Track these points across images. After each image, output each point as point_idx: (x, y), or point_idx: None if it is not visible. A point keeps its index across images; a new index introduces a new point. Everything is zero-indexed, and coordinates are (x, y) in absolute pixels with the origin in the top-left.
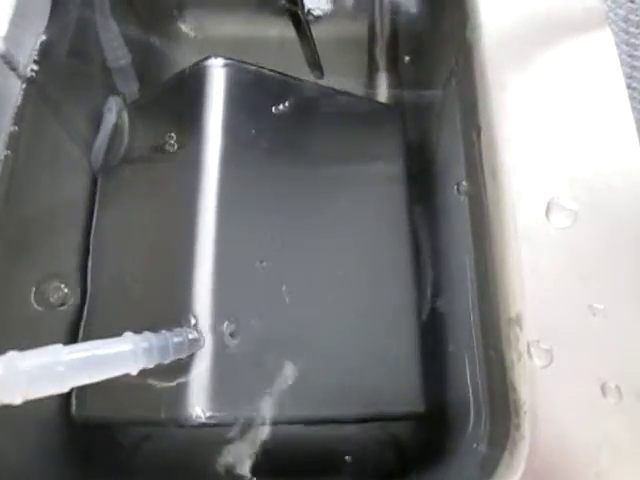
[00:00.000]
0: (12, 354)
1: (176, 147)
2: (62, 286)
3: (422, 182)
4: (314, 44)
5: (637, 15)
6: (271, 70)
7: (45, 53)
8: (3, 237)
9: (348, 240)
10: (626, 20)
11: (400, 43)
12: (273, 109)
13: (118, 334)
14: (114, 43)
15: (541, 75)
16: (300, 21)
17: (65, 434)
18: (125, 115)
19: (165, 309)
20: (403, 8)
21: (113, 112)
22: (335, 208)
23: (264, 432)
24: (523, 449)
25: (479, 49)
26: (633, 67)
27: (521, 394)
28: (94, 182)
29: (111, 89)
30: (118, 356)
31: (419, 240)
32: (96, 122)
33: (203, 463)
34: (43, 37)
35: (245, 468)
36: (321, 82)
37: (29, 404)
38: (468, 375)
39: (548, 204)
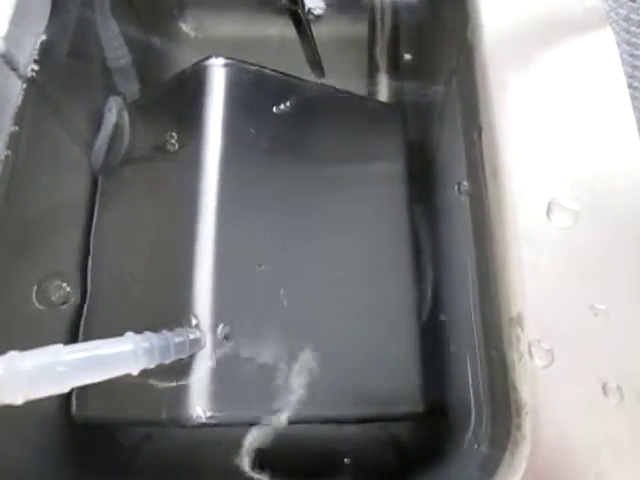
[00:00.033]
0: (12, 354)
1: (177, 147)
2: (64, 285)
3: (423, 182)
4: (315, 43)
5: (638, 14)
6: (272, 70)
7: (45, 53)
8: (3, 237)
9: (348, 240)
10: (627, 19)
11: (401, 43)
12: (274, 109)
13: (119, 334)
14: (114, 43)
15: (542, 75)
16: (301, 20)
17: (65, 434)
18: (126, 115)
19: (165, 309)
20: (404, 7)
21: (113, 112)
22: (336, 208)
23: (264, 432)
24: (524, 449)
25: (480, 49)
26: (634, 67)
27: (522, 394)
28: (94, 182)
29: (111, 89)
30: (119, 356)
31: (419, 240)
32: (96, 122)
33: (204, 463)
34: (43, 37)
35: (245, 468)
36: (322, 82)
37: (29, 404)
38: (469, 375)
39: (549, 204)
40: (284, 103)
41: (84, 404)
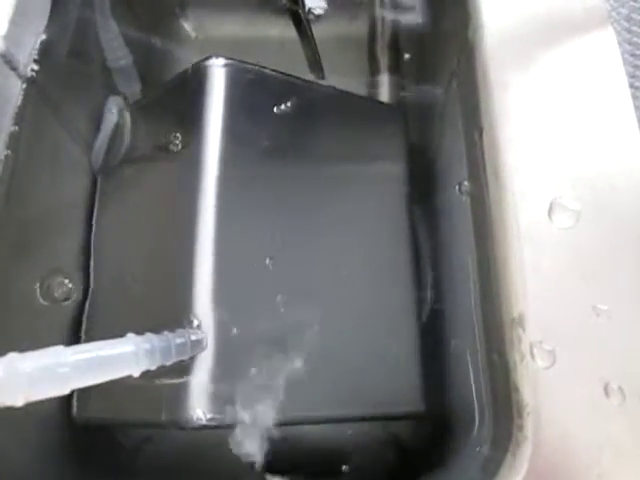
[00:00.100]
0: (13, 355)
1: (180, 147)
2: (66, 281)
3: (424, 182)
4: (315, 44)
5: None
6: (272, 70)
7: (45, 53)
8: (3, 237)
9: (349, 240)
10: (629, 19)
11: (401, 43)
12: (274, 109)
13: (119, 334)
14: (114, 43)
15: (543, 75)
16: (301, 20)
17: (66, 435)
18: (126, 115)
19: (166, 309)
20: (404, 7)
21: (114, 112)
22: (336, 208)
23: (265, 433)
24: (526, 450)
25: (481, 49)
26: (636, 66)
27: (524, 395)
28: (94, 182)
29: (111, 89)
30: (120, 358)
31: (420, 240)
32: (96, 122)
33: (204, 465)
34: (43, 37)
35: (246, 469)
36: (322, 82)
37: (30, 405)
38: (470, 376)
39: (550, 204)
40: (284, 103)
41: (85, 405)
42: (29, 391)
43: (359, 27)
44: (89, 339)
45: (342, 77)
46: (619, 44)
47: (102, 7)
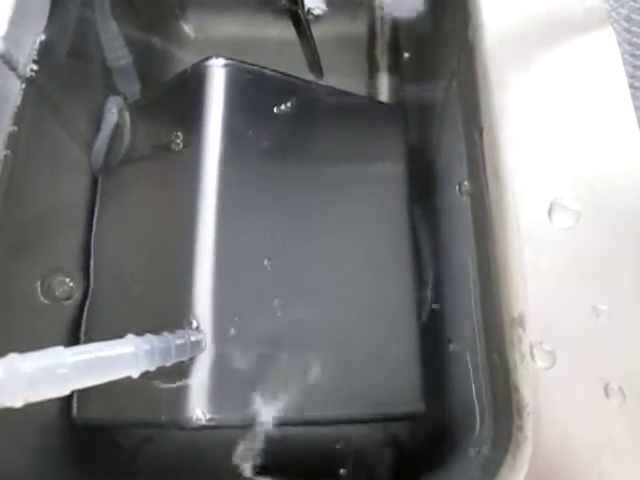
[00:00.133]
0: (12, 356)
1: (181, 146)
2: (67, 280)
3: (424, 182)
4: (314, 44)
5: (639, 14)
6: (272, 70)
7: (45, 53)
8: (3, 237)
9: (349, 240)
10: (628, 19)
11: (401, 43)
12: (274, 109)
13: (119, 335)
14: (114, 43)
15: (543, 75)
16: (300, 21)
17: (66, 436)
18: (126, 115)
19: (166, 310)
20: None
21: (114, 112)
22: (336, 208)
23: (265, 433)
24: (526, 451)
25: (481, 49)
26: (635, 66)
27: (524, 395)
28: (94, 182)
29: (111, 89)
30: (120, 359)
31: (420, 240)
32: (96, 122)
33: (204, 465)
34: (43, 37)
35: (246, 469)
36: (322, 82)
37: (30, 406)
38: (470, 376)
39: (551, 204)
40: (284, 103)
41: (85, 406)
42: (28, 392)
43: (358, 27)
44: (88, 339)
45: (341, 77)
46: (619, 44)
47: (102, 7)
